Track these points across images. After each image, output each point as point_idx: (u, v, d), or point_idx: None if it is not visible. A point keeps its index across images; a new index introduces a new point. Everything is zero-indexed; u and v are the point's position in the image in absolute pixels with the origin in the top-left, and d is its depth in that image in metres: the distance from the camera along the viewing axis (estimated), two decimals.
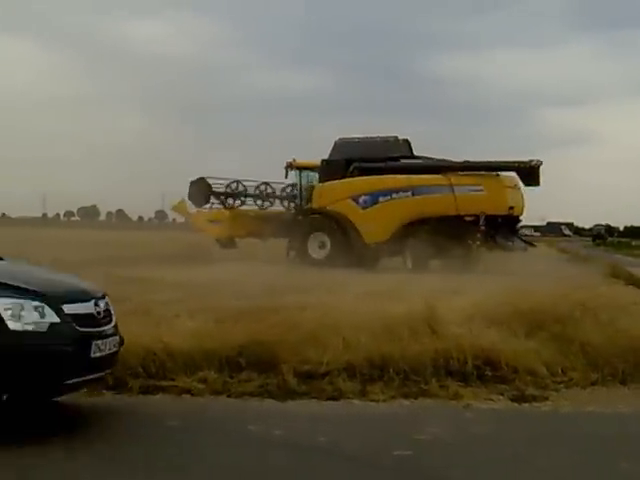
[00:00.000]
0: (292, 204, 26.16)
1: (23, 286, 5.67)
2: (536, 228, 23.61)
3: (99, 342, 5.84)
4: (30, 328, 5.48)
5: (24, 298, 5.54)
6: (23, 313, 5.47)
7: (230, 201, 26.24)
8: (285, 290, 12.12)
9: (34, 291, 5.64)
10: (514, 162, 22.58)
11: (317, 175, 24.54)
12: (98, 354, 5.84)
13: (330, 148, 24.21)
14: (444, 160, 23.92)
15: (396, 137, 24.24)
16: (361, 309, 9.06)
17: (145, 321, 8.27)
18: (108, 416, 6.38)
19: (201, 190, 25.77)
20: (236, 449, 5.58)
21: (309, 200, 24.35)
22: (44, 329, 5.53)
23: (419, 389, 7.22)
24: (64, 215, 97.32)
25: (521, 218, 24.14)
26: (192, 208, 26.91)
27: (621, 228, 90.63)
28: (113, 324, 6.16)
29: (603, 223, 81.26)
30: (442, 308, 8.67)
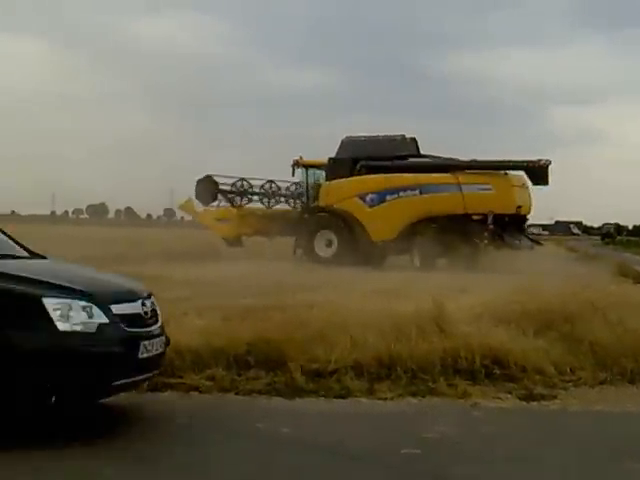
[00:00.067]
0: (298, 202, 26.19)
1: (71, 286, 5.56)
2: (545, 227, 23.52)
3: (146, 343, 5.74)
4: (79, 329, 5.36)
5: (72, 298, 5.42)
6: (71, 313, 5.35)
7: (237, 199, 26.25)
8: (292, 288, 12.13)
9: (82, 291, 5.53)
10: (523, 161, 22.55)
11: (324, 173, 24.53)
12: (146, 355, 5.75)
13: (337, 146, 24.21)
14: (452, 159, 23.91)
15: (403, 136, 24.24)
16: (369, 307, 9.06)
17: None
18: (117, 413, 6.38)
19: (208, 188, 25.79)
20: (244, 447, 5.57)
21: (316, 198, 24.35)
22: (93, 330, 5.41)
23: (427, 387, 7.21)
24: (73, 213, 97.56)
25: (528, 217, 24.13)
26: (199, 206, 26.94)
27: (630, 227, 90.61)
28: (159, 324, 6.07)
29: (612, 222, 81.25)
30: (450, 307, 8.66)
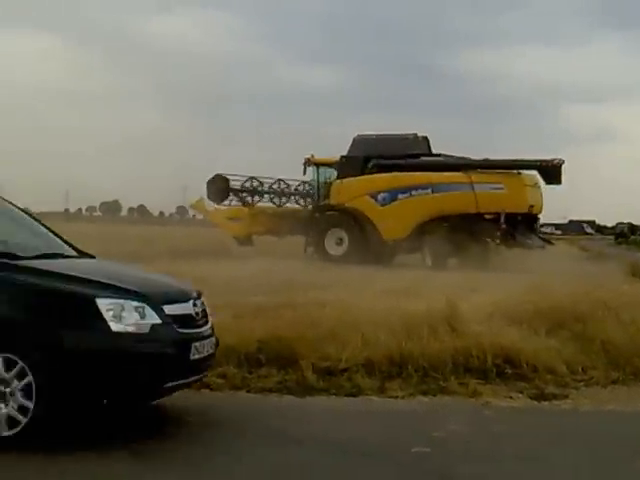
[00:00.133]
0: (307, 201, 26.18)
1: (124, 286, 5.50)
2: (557, 226, 23.37)
3: (197, 344, 5.67)
4: (131, 329, 5.28)
5: (124, 298, 5.35)
6: (124, 314, 5.27)
7: (249, 198, 26.28)
8: (303, 286, 12.12)
9: (135, 291, 5.46)
10: (536, 161, 22.47)
11: (334, 171, 24.51)
12: (197, 356, 5.68)
13: (348, 145, 24.19)
14: (464, 158, 23.85)
15: (415, 134, 24.20)
16: (380, 306, 9.05)
17: None
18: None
19: (219, 187, 25.80)
20: (254, 445, 5.59)
21: (326, 197, 24.33)
22: (146, 330, 5.34)
23: (438, 386, 7.22)
24: (86, 210, 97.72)
25: (540, 216, 24.04)
26: (210, 205, 26.96)
27: None
28: (210, 325, 6.00)
29: (626, 221, 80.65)
30: (462, 306, 8.65)
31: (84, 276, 5.56)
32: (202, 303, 6.00)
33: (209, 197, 26.28)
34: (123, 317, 5.26)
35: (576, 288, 10.15)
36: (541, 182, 22.76)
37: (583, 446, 5.87)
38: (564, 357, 7.84)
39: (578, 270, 17.54)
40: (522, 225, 22.72)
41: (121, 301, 5.31)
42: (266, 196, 26.85)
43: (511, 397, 7.14)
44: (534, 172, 22.84)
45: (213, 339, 6.00)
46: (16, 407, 5.15)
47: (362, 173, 23.51)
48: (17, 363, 5.15)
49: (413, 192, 22.84)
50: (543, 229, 24.53)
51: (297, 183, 26.93)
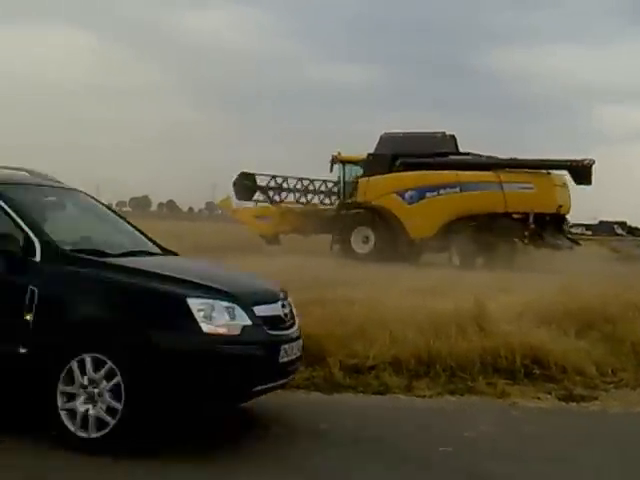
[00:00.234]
0: (332, 200, 26.17)
1: (215, 286, 5.34)
2: (588, 227, 23.04)
3: (286, 346, 5.53)
4: (222, 331, 5.12)
5: (214, 298, 5.19)
6: (214, 314, 5.12)
7: (276, 197, 26.33)
8: (331, 284, 12.11)
9: (225, 291, 5.30)
10: (566, 161, 22.27)
11: (361, 169, 24.48)
12: (285, 359, 5.53)
13: (375, 143, 24.14)
14: (492, 157, 23.69)
15: (443, 133, 24.10)
16: (408, 304, 9.03)
17: None
18: None
19: (246, 185, 25.86)
20: (281, 441, 5.61)
21: (352, 194, 24.30)
22: (236, 332, 5.18)
23: (466, 386, 7.21)
24: (116, 205, 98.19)
25: (568, 217, 23.83)
26: (237, 203, 27.01)
27: None
28: (297, 327, 5.87)
29: None
30: (491, 306, 8.61)
31: (174, 275, 5.41)
32: (289, 304, 5.87)
33: (236, 195, 26.35)
34: (214, 318, 5.11)
35: (606, 289, 10.06)
36: (570, 182, 22.59)
37: (611, 448, 5.85)
38: (593, 358, 7.79)
39: (608, 271, 17.34)
40: (550, 225, 22.55)
41: (211, 301, 5.16)
42: (290, 194, 26.91)
43: (539, 398, 7.12)
44: (563, 172, 22.67)
45: (300, 341, 5.86)
46: (104, 408, 5.05)
47: (389, 171, 23.44)
48: (106, 363, 5.04)
49: (441, 191, 22.74)
50: (573, 230, 24.21)
51: (321, 182, 26.97)
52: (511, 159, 23.30)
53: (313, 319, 8.00)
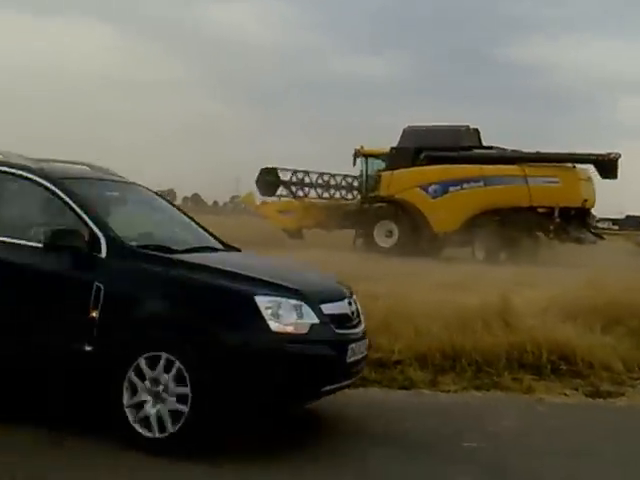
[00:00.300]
0: (355, 194, 26.16)
1: (282, 283, 5.20)
2: (614, 221, 22.85)
3: (354, 345, 5.37)
4: (289, 329, 4.98)
5: (282, 296, 5.05)
6: (282, 312, 4.99)
7: (300, 192, 26.39)
8: (354, 278, 12.07)
9: (293, 289, 5.15)
10: (592, 154, 22.12)
11: (382, 163, 24.44)
12: (352, 358, 5.38)
13: (398, 136, 24.07)
14: (517, 151, 23.55)
15: (467, 126, 24.01)
16: (433, 299, 9.02)
17: None
18: None
19: (269, 180, 25.93)
20: (306, 436, 5.62)
21: (375, 188, 24.26)
22: (304, 331, 5.03)
23: (491, 381, 7.19)
24: None
25: (593, 211, 23.67)
26: (259, 198, 27.07)
27: None
28: (363, 326, 5.71)
29: None
30: (516, 300, 8.57)
31: (241, 272, 5.28)
32: (355, 301, 5.72)
33: (259, 192, 26.42)
34: (281, 316, 4.97)
35: (632, 284, 9.97)
36: (595, 176, 22.43)
37: (638, 443, 5.81)
38: (620, 354, 7.75)
39: (633, 265, 17.20)
40: (575, 219, 22.42)
41: (279, 299, 5.02)
42: (312, 189, 26.94)
43: (565, 394, 7.09)
44: (588, 166, 22.51)
45: (367, 340, 5.71)
46: (171, 408, 4.93)
47: (413, 165, 23.39)
48: (172, 362, 4.92)
49: (465, 185, 22.66)
50: (600, 224, 24.09)
51: (342, 176, 26.98)
52: (536, 153, 23.17)
53: None
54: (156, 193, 6.75)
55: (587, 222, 23.34)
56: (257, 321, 4.92)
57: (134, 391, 5.01)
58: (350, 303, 5.59)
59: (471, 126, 24.09)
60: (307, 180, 26.72)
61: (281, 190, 26.35)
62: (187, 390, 4.87)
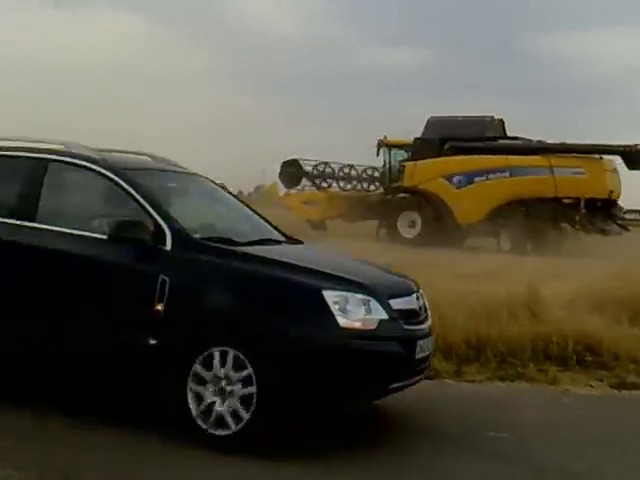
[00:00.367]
0: (377, 186, 26.14)
1: (349, 277, 5.06)
2: None
3: (422, 342, 5.25)
4: (358, 325, 4.84)
5: (349, 291, 4.90)
6: (349, 307, 4.84)
7: (324, 183, 26.43)
8: None
9: (360, 283, 5.02)
10: (619, 146, 21.94)
11: (405, 153, 24.38)
12: (421, 355, 5.26)
13: (421, 127, 23.99)
14: (542, 141, 23.39)
15: (492, 117, 23.90)
16: (458, 289, 8.98)
17: None
18: None
19: (291, 173, 25.99)
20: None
21: (398, 179, 24.21)
22: (373, 326, 4.90)
23: (516, 372, 7.16)
24: None
25: (619, 202, 23.48)
26: (283, 190, 27.16)
27: None
28: (430, 321, 5.58)
29: None
30: (543, 291, 8.52)
31: (307, 265, 5.16)
32: (422, 296, 5.59)
33: (282, 183, 26.48)
34: (349, 311, 4.83)
35: None
36: (622, 168, 22.24)
37: None
38: None
39: None
40: (601, 211, 22.27)
41: (346, 294, 4.87)
42: (334, 180, 26.97)
43: (591, 385, 7.05)
44: (614, 157, 22.32)
45: (434, 337, 5.61)
46: (235, 405, 4.83)
47: (437, 155, 23.31)
48: (238, 357, 4.82)
49: (490, 175, 22.55)
50: (627, 215, 23.97)
51: (363, 168, 26.97)
52: (561, 143, 22.99)
53: None
54: (217, 184, 6.59)
55: (613, 213, 23.17)
56: (325, 316, 4.79)
57: (198, 386, 4.90)
58: (418, 298, 5.47)
59: (496, 116, 23.96)
60: (328, 171, 26.75)
61: (305, 182, 26.42)
62: (253, 388, 4.77)
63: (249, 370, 4.78)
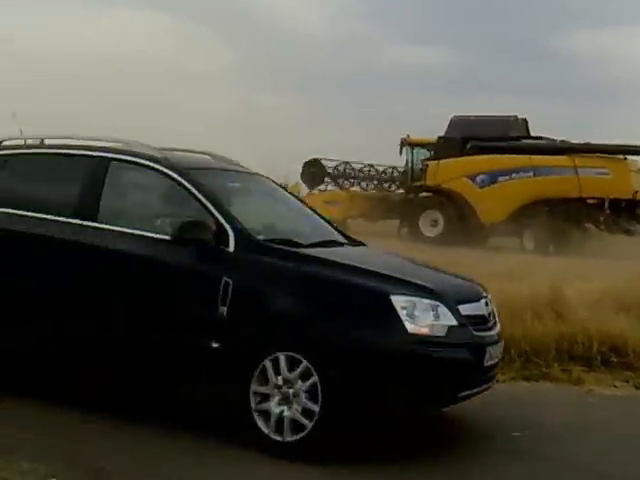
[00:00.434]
0: (397, 185, 26.12)
1: (417, 282, 4.95)
2: None
3: (491, 348, 5.14)
4: (426, 331, 4.73)
5: (417, 296, 4.79)
6: (417, 313, 4.73)
7: (346, 183, 26.46)
8: None
9: (428, 288, 4.90)
10: None
11: (427, 152, 24.34)
12: (490, 362, 5.15)
13: (444, 126, 23.94)
14: (566, 141, 23.26)
15: (515, 116, 23.79)
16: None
17: None
18: None
19: (313, 173, 26.03)
20: None
21: (420, 178, 24.18)
22: (442, 333, 4.78)
23: (540, 372, 7.15)
24: None
25: None
26: (305, 189, 27.21)
27: None
28: (499, 327, 5.46)
29: None
30: (567, 291, 8.49)
31: (373, 269, 5.06)
32: (491, 301, 5.46)
33: (304, 182, 26.52)
34: (417, 317, 4.72)
35: None
36: None
37: None
38: None
39: None
40: (625, 211, 22.12)
41: (414, 299, 4.76)
42: (355, 180, 27.01)
43: (616, 386, 7.03)
44: (638, 158, 22.18)
45: (502, 343, 5.49)
46: (300, 410, 4.73)
47: (460, 154, 23.25)
48: (301, 362, 4.72)
49: (514, 175, 22.45)
50: None
51: (384, 168, 26.97)
52: (585, 144, 22.85)
53: None
54: (278, 184, 6.55)
55: (637, 214, 22.99)
56: (393, 322, 4.69)
57: (262, 392, 4.84)
58: (487, 303, 5.34)
59: (519, 116, 23.85)
60: (349, 171, 26.78)
61: (327, 182, 26.48)
62: (317, 393, 4.68)
63: (314, 376, 4.69)
